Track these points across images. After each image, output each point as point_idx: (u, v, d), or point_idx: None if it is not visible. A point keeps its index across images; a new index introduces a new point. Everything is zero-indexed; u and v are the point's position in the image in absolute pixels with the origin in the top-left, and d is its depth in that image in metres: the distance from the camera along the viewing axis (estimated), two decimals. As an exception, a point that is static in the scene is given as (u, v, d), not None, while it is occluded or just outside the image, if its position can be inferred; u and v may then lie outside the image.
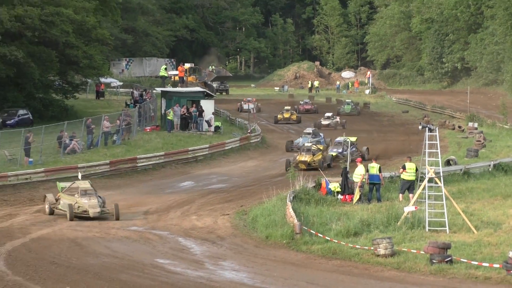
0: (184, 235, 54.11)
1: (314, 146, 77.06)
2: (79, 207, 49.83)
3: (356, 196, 60.78)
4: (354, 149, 78.44)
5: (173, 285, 42.15)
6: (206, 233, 54.71)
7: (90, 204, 51.21)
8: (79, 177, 53.09)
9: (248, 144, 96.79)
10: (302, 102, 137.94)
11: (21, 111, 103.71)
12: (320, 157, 74.01)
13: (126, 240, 52.25)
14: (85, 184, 53.23)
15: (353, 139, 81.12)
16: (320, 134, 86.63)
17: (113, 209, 51.56)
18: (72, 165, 76.76)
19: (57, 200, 52.65)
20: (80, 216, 53.21)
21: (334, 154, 78.51)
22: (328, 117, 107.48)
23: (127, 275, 43.76)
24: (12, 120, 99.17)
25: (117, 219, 51.87)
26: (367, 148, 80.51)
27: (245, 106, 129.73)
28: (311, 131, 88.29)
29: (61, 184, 53.89)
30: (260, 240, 52.37)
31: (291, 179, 62.94)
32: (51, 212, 52.35)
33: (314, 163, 72.68)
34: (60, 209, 52.15)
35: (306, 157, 73.67)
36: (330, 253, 47.79)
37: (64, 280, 42.22)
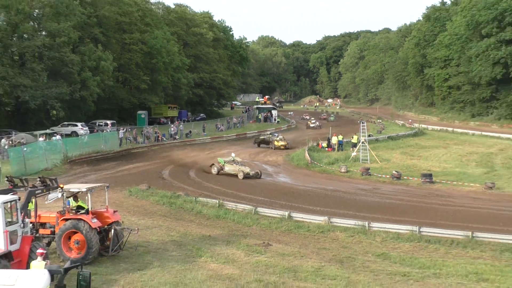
0: (264, 163, 53.60)
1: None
2: (242, 171, 46.62)
3: (336, 149, 59.54)
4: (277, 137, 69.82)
5: (261, 183, 42.10)
6: (273, 162, 54.39)
7: (250, 169, 44.91)
8: (233, 155, 47.60)
9: (290, 127, 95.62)
10: (322, 115, 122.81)
11: (202, 114, 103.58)
12: (286, 143, 66.23)
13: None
14: (239, 159, 46.91)
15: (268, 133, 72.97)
16: (275, 134, 73.97)
17: (257, 173, 44.53)
18: (221, 136, 76.11)
19: (221, 168, 45.06)
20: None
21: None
22: (314, 123, 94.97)
23: (242, 179, 43.38)
24: (197, 118, 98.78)
25: (260, 177, 44.26)
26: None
27: (305, 117, 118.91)
28: (269, 133, 74.99)
29: (221, 159, 46.45)
30: (294, 165, 51.87)
31: (307, 142, 62.51)
32: (217, 173, 44.63)
33: (287, 145, 65.04)
34: (226, 172, 44.44)
35: (283, 142, 65.68)
36: (322, 171, 47.80)
37: (215, 180, 42.09)
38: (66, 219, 21.20)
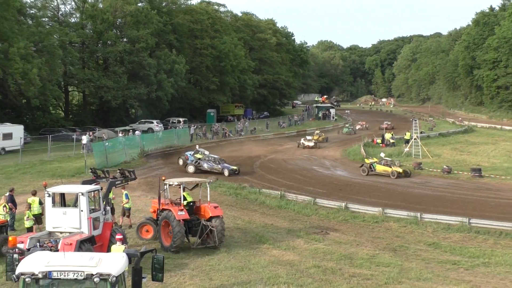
0: (322, 158, 52.79)
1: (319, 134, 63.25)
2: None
3: (389, 143, 58.34)
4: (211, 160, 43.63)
5: (319, 176, 41.65)
6: (331, 157, 53.50)
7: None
8: (382, 155, 40.12)
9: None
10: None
11: (265, 112, 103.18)
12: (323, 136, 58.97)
13: (301, 160, 51.36)
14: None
15: (207, 152, 45.07)
16: (200, 149, 46.54)
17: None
18: (283, 132, 75.32)
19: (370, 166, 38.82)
20: None
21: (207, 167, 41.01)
22: (309, 140, 62.10)
23: (302, 172, 43.51)
24: (261, 116, 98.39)
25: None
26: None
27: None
28: (199, 150, 45.25)
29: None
30: (351, 160, 50.62)
31: (363, 138, 61.08)
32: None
33: (319, 142, 58.15)
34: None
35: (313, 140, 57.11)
36: (376, 165, 46.39)
37: (277, 173, 41.94)
38: (163, 210, 21.20)
